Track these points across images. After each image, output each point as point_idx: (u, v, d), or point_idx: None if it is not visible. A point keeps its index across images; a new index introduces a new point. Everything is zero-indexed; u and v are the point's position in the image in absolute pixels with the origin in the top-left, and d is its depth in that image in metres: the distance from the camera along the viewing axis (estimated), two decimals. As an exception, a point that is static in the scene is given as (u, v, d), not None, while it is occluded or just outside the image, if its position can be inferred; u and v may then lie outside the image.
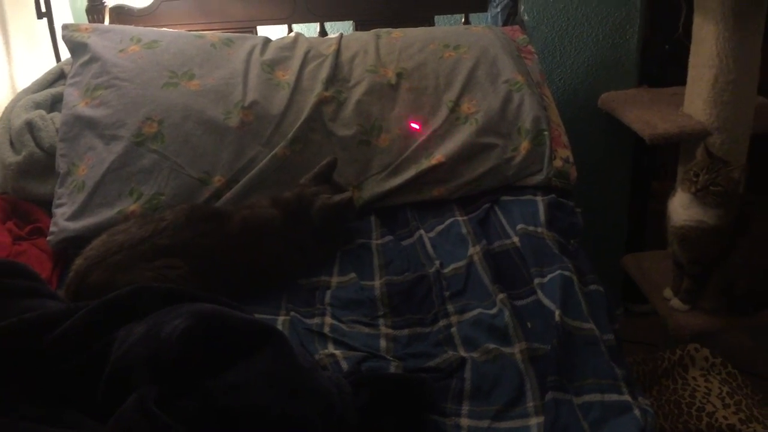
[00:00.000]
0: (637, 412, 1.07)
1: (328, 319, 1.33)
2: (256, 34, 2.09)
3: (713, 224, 1.78)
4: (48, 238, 1.55)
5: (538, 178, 1.67)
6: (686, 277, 1.92)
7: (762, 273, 1.87)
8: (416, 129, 1.70)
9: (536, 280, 1.34)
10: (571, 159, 1.71)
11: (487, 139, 1.69)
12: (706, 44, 1.88)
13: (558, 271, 1.33)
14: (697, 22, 1.92)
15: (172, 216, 1.40)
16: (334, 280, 1.46)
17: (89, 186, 1.58)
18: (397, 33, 1.90)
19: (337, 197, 1.51)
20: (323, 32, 2.15)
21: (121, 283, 1.25)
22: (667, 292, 2.00)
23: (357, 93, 1.74)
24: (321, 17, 2.13)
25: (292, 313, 1.34)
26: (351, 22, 2.17)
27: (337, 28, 2.24)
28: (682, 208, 1.81)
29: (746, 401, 1.65)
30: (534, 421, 1.06)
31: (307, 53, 1.80)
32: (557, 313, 1.23)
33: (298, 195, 1.53)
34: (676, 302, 1.96)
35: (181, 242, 1.36)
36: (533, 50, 1.94)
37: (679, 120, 1.98)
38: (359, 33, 1.95)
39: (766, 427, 1.57)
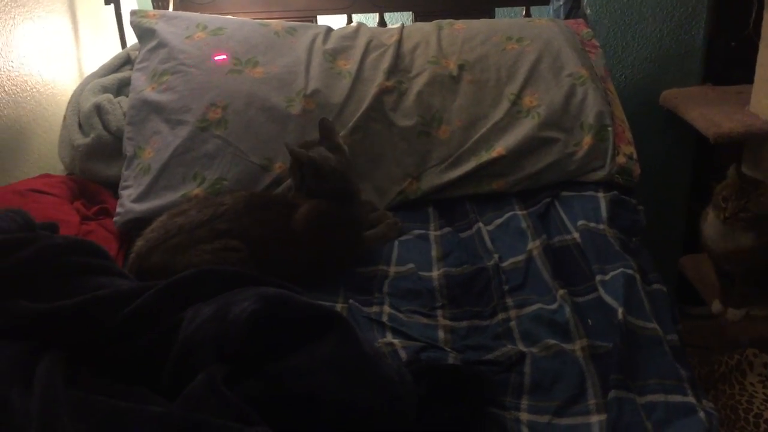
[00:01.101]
0: (701, 414, 1.05)
1: (387, 308, 1.33)
2: (316, 23, 2.10)
3: (751, 245, 1.74)
4: (114, 218, 1.58)
5: (600, 174, 1.64)
6: (737, 284, 1.87)
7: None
8: None
9: (598, 277, 1.33)
10: (635, 156, 1.68)
11: (549, 133, 1.68)
12: (776, 42, 1.83)
13: (620, 269, 1.31)
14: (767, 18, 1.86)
15: (231, 201, 1.41)
16: (392, 269, 1.46)
17: (155, 169, 1.61)
18: (459, 24, 1.89)
19: (309, 153, 1.47)
20: (382, 23, 2.15)
21: (180, 265, 1.27)
22: (716, 305, 1.95)
23: (418, 84, 1.73)
24: (381, 7, 2.14)
25: (351, 301, 1.35)
26: (411, 13, 2.17)
27: (396, 19, 2.24)
28: (717, 235, 1.79)
29: (806, 409, 1.61)
30: (596, 419, 1.05)
31: (368, 43, 1.81)
32: (620, 311, 1.21)
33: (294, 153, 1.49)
34: (731, 313, 1.91)
35: (239, 228, 1.37)
36: (597, 44, 1.91)
37: (745, 119, 1.93)
38: (421, 24, 1.94)
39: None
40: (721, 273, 1.91)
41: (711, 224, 1.80)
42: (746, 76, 2.01)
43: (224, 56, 1.72)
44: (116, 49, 2.06)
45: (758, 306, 1.90)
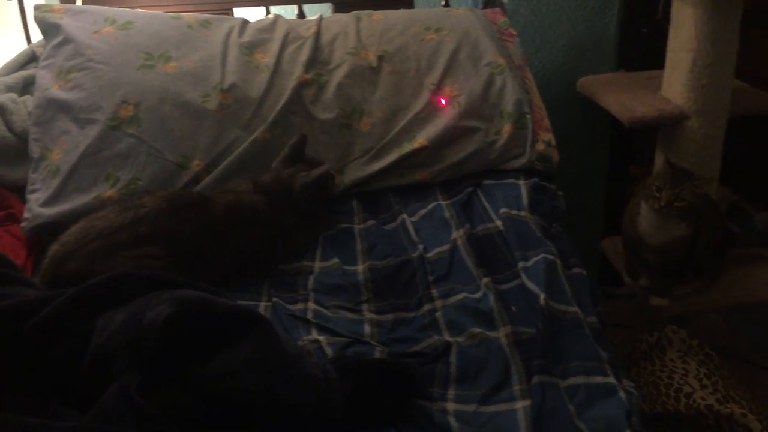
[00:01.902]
0: (622, 394, 1.07)
1: (312, 305, 1.32)
2: (233, 15, 2.05)
3: (685, 234, 1.79)
4: (22, 224, 1.51)
5: (521, 162, 1.66)
6: (660, 275, 1.92)
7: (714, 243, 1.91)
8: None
9: (520, 264, 1.34)
10: (553, 142, 1.70)
11: (470, 122, 1.69)
12: (685, 28, 1.88)
13: (542, 255, 1.33)
14: (676, 5, 1.92)
15: (153, 203, 1.36)
16: (317, 265, 1.44)
17: (64, 171, 1.54)
18: (378, 15, 1.87)
19: (315, 172, 1.49)
20: (301, 14, 2.12)
21: (99, 271, 1.21)
22: (644, 281, 2.01)
23: (338, 76, 1.71)
24: (299, -1, 2.10)
25: (275, 299, 1.32)
26: (330, 4, 2.14)
27: (315, 11, 2.20)
28: (651, 228, 1.81)
29: (723, 382, 1.67)
30: (520, 405, 1.06)
31: (286, 35, 1.78)
32: (542, 296, 1.23)
33: (276, 179, 1.51)
34: (656, 300, 1.97)
35: (162, 230, 1.33)
36: (515, 33, 1.93)
37: (657, 104, 1.99)
38: (339, 15, 1.92)
39: (743, 406, 1.60)
40: (641, 262, 1.93)
41: (645, 217, 1.81)
42: (657, 62, 2.07)
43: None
44: (21, 46, 1.95)
45: (677, 291, 1.96)
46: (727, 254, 2.03)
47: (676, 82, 1.96)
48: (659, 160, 1.90)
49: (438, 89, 1.72)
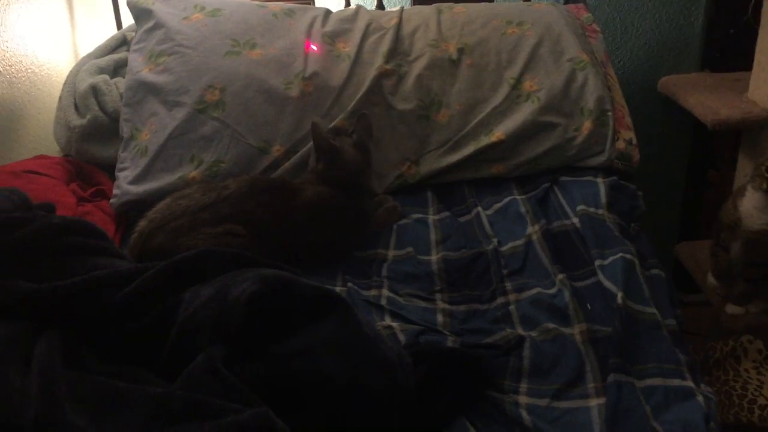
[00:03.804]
0: (700, 398, 1.05)
1: (385, 292, 1.33)
2: (314, 5, 2.08)
3: None
4: (111, 200, 1.57)
5: (600, 160, 1.64)
6: (742, 281, 1.86)
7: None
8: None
9: (597, 262, 1.32)
10: (635, 141, 1.67)
11: (549, 117, 1.67)
12: (776, 29, 1.82)
13: (619, 254, 1.31)
14: (767, 5, 1.86)
15: (235, 185, 1.41)
16: (391, 253, 1.46)
17: (152, 151, 1.60)
18: (459, 8, 1.87)
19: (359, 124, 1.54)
20: (381, 5, 2.13)
21: (183, 247, 1.27)
22: (710, 279, 1.94)
23: (417, 67, 1.72)
24: (380, -10, 2.12)
25: (349, 284, 1.34)
26: (410, -5, 2.15)
27: (395, 2, 2.22)
28: (756, 211, 1.71)
29: (799, 395, 1.62)
30: (595, 402, 1.05)
31: (368, 26, 1.80)
32: (619, 295, 1.21)
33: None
34: (732, 308, 1.90)
35: (242, 212, 1.37)
36: (598, 29, 1.90)
37: (743, 106, 1.93)
38: (421, 7, 1.93)
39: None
40: (728, 264, 1.86)
41: (750, 198, 1.73)
42: (744, 64, 2.01)
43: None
44: (112, 30, 2.03)
45: (754, 303, 1.89)
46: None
47: (763, 85, 1.90)
48: (742, 165, 1.82)
49: (518, 82, 1.71)
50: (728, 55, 2.30)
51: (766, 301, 1.88)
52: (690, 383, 1.08)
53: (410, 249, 1.45)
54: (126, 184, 1.58)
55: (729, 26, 2.29)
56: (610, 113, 1.67)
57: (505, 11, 1.86)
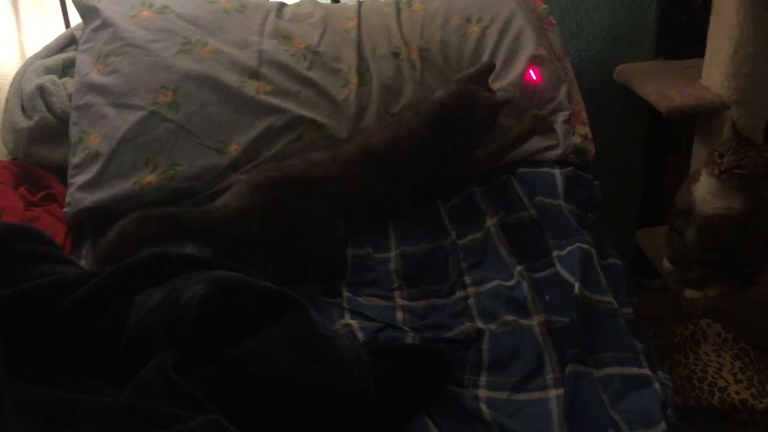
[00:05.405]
0: (657, 385, 1.07)
1: (344, 293, 1.32)
2: None
3: (740, 210, 1.73)
4: (65, 209, 1.52)
5: (556, 153, 1.64)
6: (698, 265, 1.89)
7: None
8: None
9: (554, 253, 1.33)
10: (590, 136, 1.68)
11: (504, 113, 1.66)
12: (726, 15, 1.84)
13: (576, 244, 1.32)
14: (718, -8, 1.88)
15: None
16: (349, 251, 1.44)
17: (103, 155, 1.55)
18: (418, 5, 1.83)
19: (502, 96, 1.58)
20: (336, -1, 2.10)
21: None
22: (666, 264, 1.97)
23: (382, 77, 1.69)
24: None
25: (310, 285, 1.33)
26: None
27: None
28: (710, 195, 1.74)
29: (758, 376, 1.65)
30: (553, 393, 1.06)
31: (326, 25, 1.76)
32: (576, 286, 1.22)
33: (456, 93, 1.54)
34: (690, 292, 1.93)
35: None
36: (554, 21, 1.90)
37: (696, 92, 1.95)
38: (379, 4, 1.87)
39: (779, 402, 1.57)
40: (684, 248, 1.89)
41: (703, 183, 1.76)
42: (698, 51, 2.03)
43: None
44: (60, 29, 1.98)
45: (711, 287, 1.92)
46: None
47: (716, 71, 1.92)
48: (697, 151, 1.85)
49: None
50: (682, 42, 2.33)
51: (724, 285, 1.92)
52: (647, 371, 1.10)
53: (369, 249, 1.43)
54: (78, 191, 1.53)
55: (682, 14, 2.31)
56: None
57: (464, 6, 1.82)
